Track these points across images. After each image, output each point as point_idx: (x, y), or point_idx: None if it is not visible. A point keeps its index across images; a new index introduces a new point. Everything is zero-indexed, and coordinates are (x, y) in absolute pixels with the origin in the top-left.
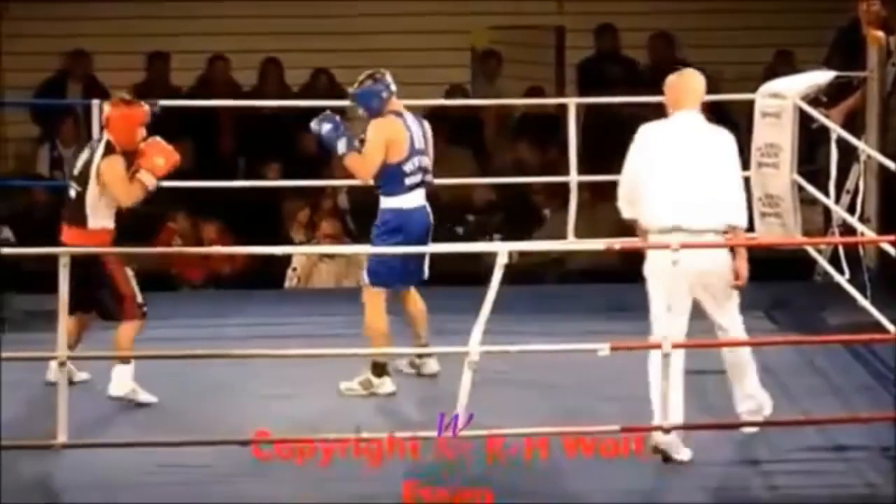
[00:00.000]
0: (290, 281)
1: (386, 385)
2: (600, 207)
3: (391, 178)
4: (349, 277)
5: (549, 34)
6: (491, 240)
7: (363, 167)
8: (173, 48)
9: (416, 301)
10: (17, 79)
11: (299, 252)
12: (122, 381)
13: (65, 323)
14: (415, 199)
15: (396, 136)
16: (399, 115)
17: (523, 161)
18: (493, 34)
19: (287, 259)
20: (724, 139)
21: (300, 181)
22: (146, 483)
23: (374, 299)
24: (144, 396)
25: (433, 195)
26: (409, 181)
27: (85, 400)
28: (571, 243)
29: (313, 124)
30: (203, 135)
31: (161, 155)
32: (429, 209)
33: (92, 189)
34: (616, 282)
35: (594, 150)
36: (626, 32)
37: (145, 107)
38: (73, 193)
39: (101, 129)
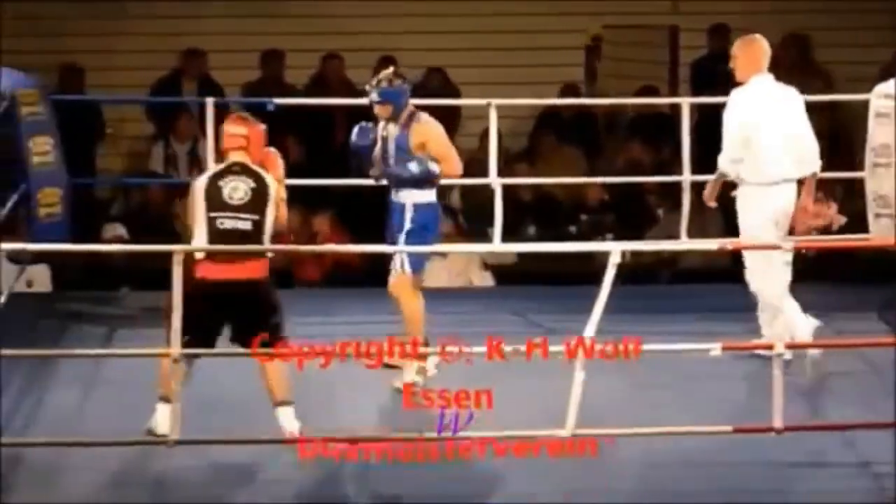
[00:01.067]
0: None
1: (431, 363)
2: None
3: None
4: (462, 276)
5: (662, 33)
6: (604, 239)
7: (455, 166)
8: (287, 46)
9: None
10: (132, 77)
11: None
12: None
13: (178, 320)
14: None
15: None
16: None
17: (636, 160)
18: (606, 33)
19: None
20: (796, 95)
21: None
22: (255, 480)
23: (407, 283)
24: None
25: (549, 194)
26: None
27: (196, 397)
28: (684, 243)
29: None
30: (317, 132)
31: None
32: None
33: (270, 215)
34: (728, 282)
35: (707, 150)
36: (739, 32)
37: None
38: (241, 225)
39: (223, 151)
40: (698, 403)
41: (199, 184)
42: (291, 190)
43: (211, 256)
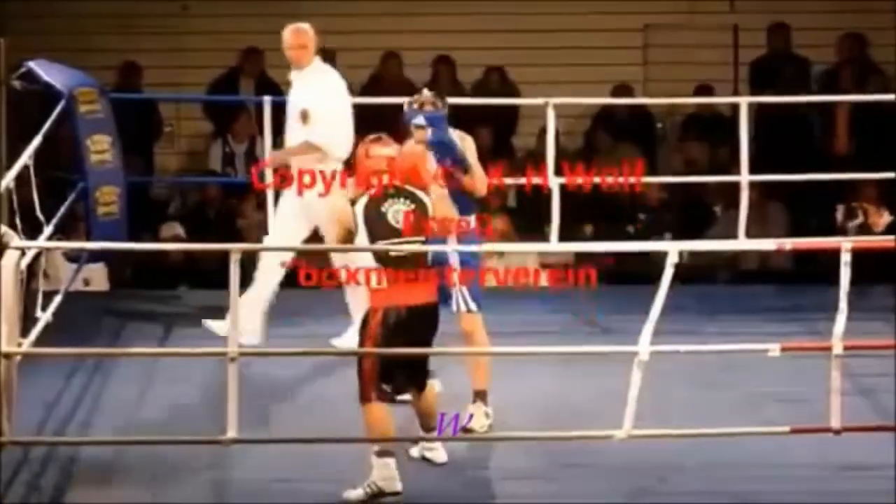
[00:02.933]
0: None
1: (490, 411)
2: (771, 207)
3: (469, 199)
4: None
5: (722, 32)
6: (662, 238)
7: (482, 183)
8: (344, 45)
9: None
10: (191, 75)
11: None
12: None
13: (235, 318)
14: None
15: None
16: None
17: (694, 160)
18: (662, 32)
19: None
20: None
21: None
22: (309, 479)
23: (479, 323)
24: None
25: (609, 192)
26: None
27: (253, 396)
28: (742, 243)
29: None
30: (374, 130)
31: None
32: None
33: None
34: (787, 282)
35: (765, 150)
36: (799, 31)
37: None
38: (408, 248)
39: (381, 172)
40: (756, 404)
41: (358, 209)
42: None
43: (393, 282)
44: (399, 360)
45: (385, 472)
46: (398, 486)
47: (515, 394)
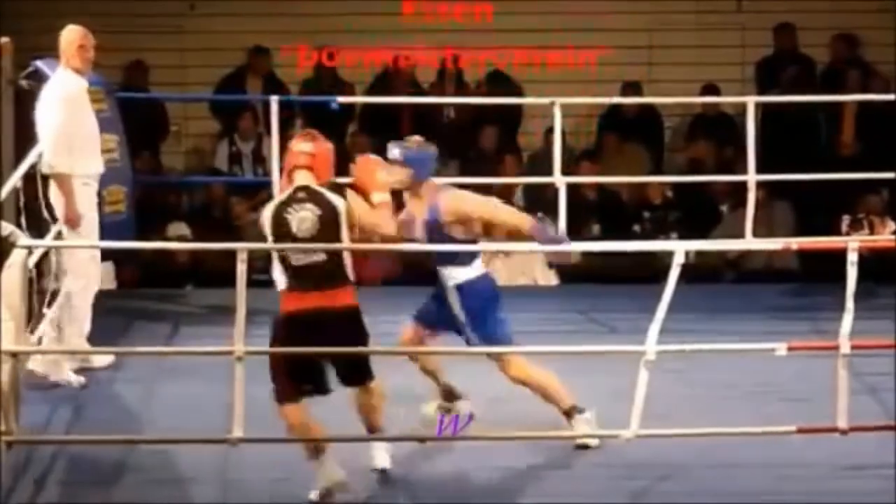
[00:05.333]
0: None
1: (590, 414)
2: (777, 206)
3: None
4: (526, 275)
5: (728, 32)
6: (668, 238)
7: (521, 219)
8: (348, 44)
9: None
10: (198, 75)
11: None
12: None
13: (243, 318)
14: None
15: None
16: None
17: (699, 159)
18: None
19: None
20: None
21: (476, 178)
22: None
23: (519, 361)
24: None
25: (612, 192)
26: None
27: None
28: (749, 242)
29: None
30: (382, 131)
31: (378, 166)
32: None
33: (345, 239)
34: (793, 281)
35: (771, 149)
36: (804, 31)
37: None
38: (315, 257)
39: (289, 170)
40: (763, 403)
41: (266, 214)
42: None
43: (295, 288)
44: (311, 361)
45: (324, 470)
46: (340, 475)
47: (521, 393)
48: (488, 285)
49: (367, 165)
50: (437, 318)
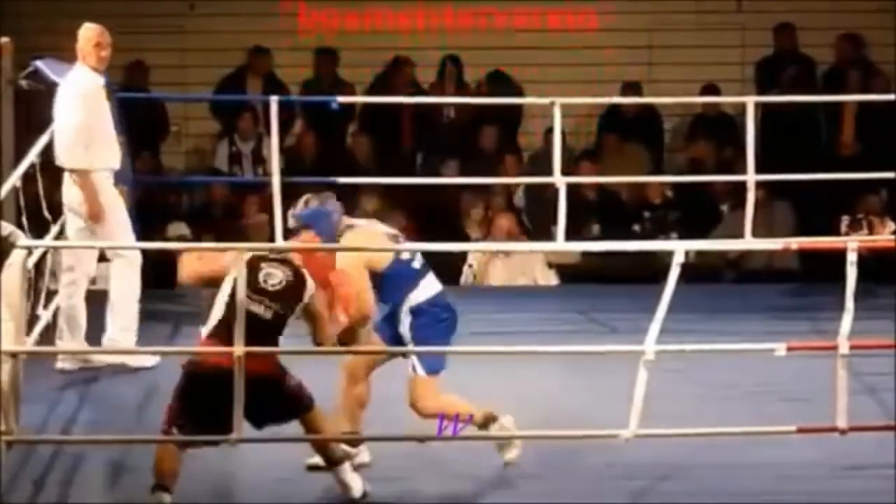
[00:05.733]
0: (466, 277)
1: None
2: (777, 206)
3: (397, 278)
4: (526, 275)
5: (728, 32)
6: (668, 238)
7: (359, 308)
8: (349, 45)
9: None
10: (199, 75)
11: (475, 249)
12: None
13: (244, 316)
14: (433, 283)
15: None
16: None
17: (699, 160)
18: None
19: (463, 255)
20: None
21: (476, 178)
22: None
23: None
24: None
25: (612, 192)
26: (416, 266)
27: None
28: (748, 242)
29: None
30: (383, 131)
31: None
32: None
33: (294, 317)
34: (793, 281)
35: (771, 149)
36: (804, 31)
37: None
38: (262, 311)
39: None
40: (763, 403)
41: (241, 261)
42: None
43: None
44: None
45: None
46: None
47: (520, 393)
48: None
49: (348, 284)
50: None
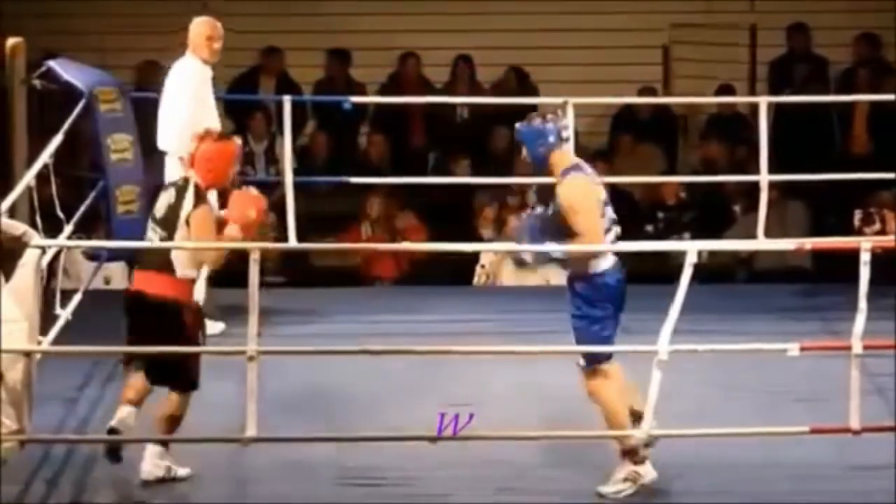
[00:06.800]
0: (479, 278)
1: (648, 470)
2: (791, 206)
3: None
4: (539, 274)
5: (741, 32)
6: (681, 238)
7: (595, 243)
8: (361, 45)
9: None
10: (215, 73)
11: (487, 249)
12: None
13: (256, 317)
14: (609, 258)
15: (591, 198)
16: (580, 168)
17: (713, 160)
18: (684, 32)
19: (476, 255)
20: None
21: (488, 178)
22: (333, 478)
23: (601, 378)
24: (182, 472)
25: (625, 192)
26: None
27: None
28: (761, 243)
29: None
30: (395, 130)
31: (252, 206)
32: (621, 265)
33: (180, 238)
34: (806, 281)
35: (784, 149)
36: (818, 31)
37: (237, 142)
38: (154, 237)
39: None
40: (776, 403)
41: None
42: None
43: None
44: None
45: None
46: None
47: (533, 393)
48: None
49: (242, 200)
50: None
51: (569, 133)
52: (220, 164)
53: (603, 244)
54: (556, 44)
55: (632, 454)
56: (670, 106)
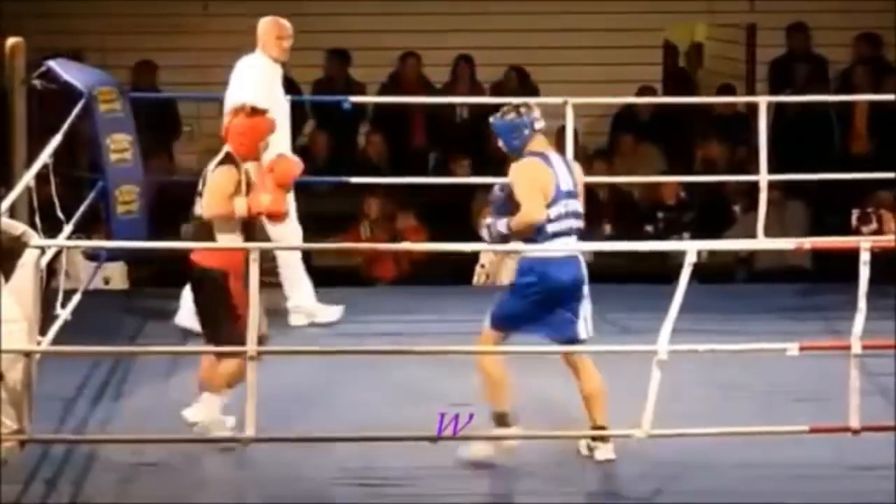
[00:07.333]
0: (479, 278)
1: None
2: (791, 206)
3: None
4: None
5: (740, 32)
6: (681, 238)
7: (530, 216)
8: (362, 45)
9: (589, 377)
10: (212, 75)
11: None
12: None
13: (256, 317)
14: (557, 245)
15: (538, 178)
16: (543, 155)
17: (712, 159)
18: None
19: (475, 255)
20: None
21: (488, 178)
22: (331, 479)
23: (486, 340)
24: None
25: (625, 192)
26: (552, 228)
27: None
28: (761, 242)
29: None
30: (395, 130)
31: (271, 194)
32: (581, 259)
33: (203, 205)
34: (806, 281)
35: (784, 149)
36: (817, 31)
37: (270, 118)
38: (197, 208)
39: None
40: (775, 403)
41: None
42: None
43: None
44: None
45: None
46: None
47: (533, 393)
48: (534, 271)
49: (283, 163)
50: None
51: (541, 124)
52: (252, 137)
53: (540, 216)
54: (556, 44)
55: (500, 419)
56: (671, 106)
